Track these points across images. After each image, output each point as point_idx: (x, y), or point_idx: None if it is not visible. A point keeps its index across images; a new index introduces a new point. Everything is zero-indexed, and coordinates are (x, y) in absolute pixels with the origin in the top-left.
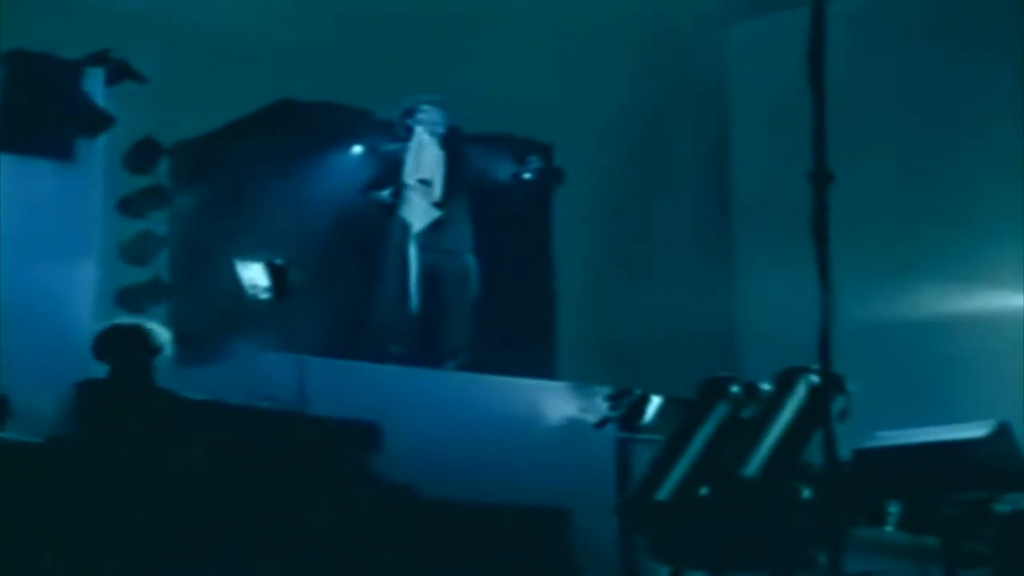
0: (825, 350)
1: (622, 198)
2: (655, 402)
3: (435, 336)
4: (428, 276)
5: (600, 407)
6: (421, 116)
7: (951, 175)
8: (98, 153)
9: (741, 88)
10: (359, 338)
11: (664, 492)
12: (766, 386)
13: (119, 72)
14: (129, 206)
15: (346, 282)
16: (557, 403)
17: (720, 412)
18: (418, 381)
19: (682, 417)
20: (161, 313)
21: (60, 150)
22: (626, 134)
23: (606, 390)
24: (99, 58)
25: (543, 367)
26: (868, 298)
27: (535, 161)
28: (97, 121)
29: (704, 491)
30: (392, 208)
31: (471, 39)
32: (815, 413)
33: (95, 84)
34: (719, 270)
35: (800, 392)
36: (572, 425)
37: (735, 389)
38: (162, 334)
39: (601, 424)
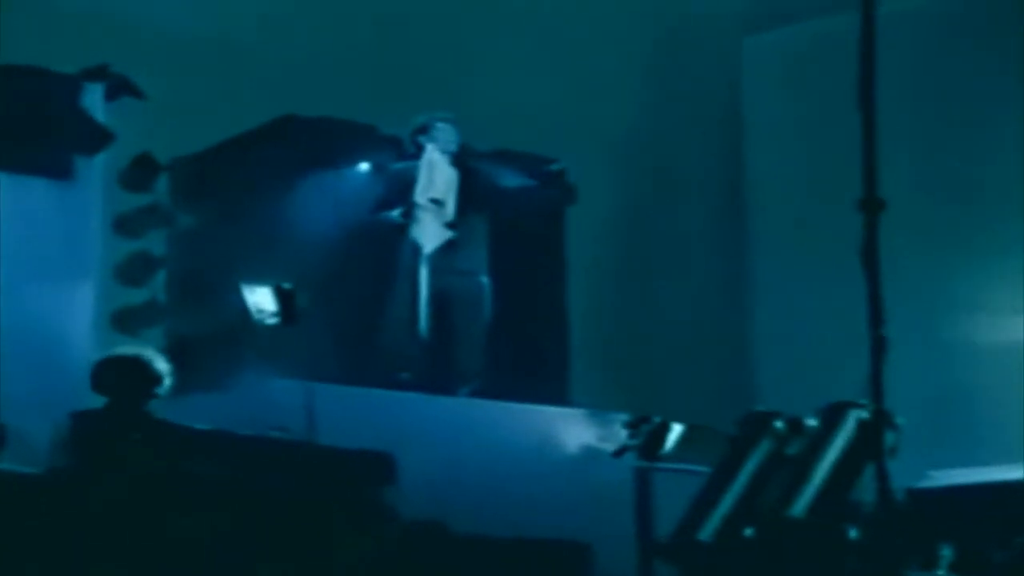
0: (877, 384)
1: (635, 213)
2: (676, 430)
3: (447, 361)
4: (440, 299)
5: (618, 435)
6: (433, 133)
7: (968, 190)
8: (97, 171)
9: (755, 99)
10: (368, 364)
11: (706, 532)
12: (811, 421)
13: (118, 87)
14: (125, 225)
15: (354, 305)
16: (573, 431)
17: (763, 448)
18: (430, 408)
19: (724, 453)
20: (157, 336)
21: (57, 168)
22: (639, 148)
23: (624, 417)
24: (98, 73)
25: (555, 391)
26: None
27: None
28: (96, 138)
29: (749, 531)
30: (402, 228)
31: (480, 53)
32: (864, 450)
33: (94, 100)
34: (735, 286)
35: (849, 427)
36: (589, 454)
37: (779, 424)
38: (161, 364)
39: (619, 453)
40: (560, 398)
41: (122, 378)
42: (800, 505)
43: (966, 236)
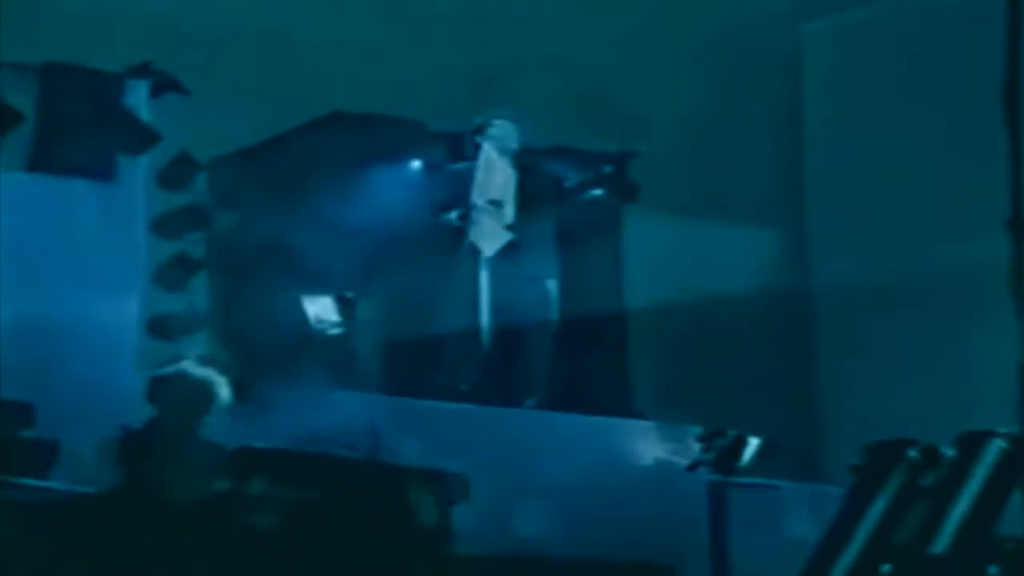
0: None
1: (692, 207)
2: (751, 444)
3: (512, 371)
4: (503, 305)
5: (690, 448)
6: (492, 132)
7: None
8: (141, 172)
9: (815, 87)
10: (428, 375)
11: (839, 571)
12: (948, 451)
13: (163, 85)
14: (163, 227)
15: (410, 312)
16: (644, 444)
17: (896, 480)
18: (494, 421)
19: (852, 485)
20: (199, 344)
21: (100, 169)
22: (698, 138)
23: (696, 430)
24: (141, 70)
25: (617, 402)
26: None
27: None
28: (141, 138)
29: (886, 570)
30: (461, 231)
31: (531, 47)
32: (1008, 481)
33: (138, 98)
34: (795, 283)
35: (990, 458)
36: (661, 468)
37: (913, 454)
38: (224, 389)
39: (693, 467)
40: (624, 409)
41: (183, 395)
42: (941, 541)
43: None
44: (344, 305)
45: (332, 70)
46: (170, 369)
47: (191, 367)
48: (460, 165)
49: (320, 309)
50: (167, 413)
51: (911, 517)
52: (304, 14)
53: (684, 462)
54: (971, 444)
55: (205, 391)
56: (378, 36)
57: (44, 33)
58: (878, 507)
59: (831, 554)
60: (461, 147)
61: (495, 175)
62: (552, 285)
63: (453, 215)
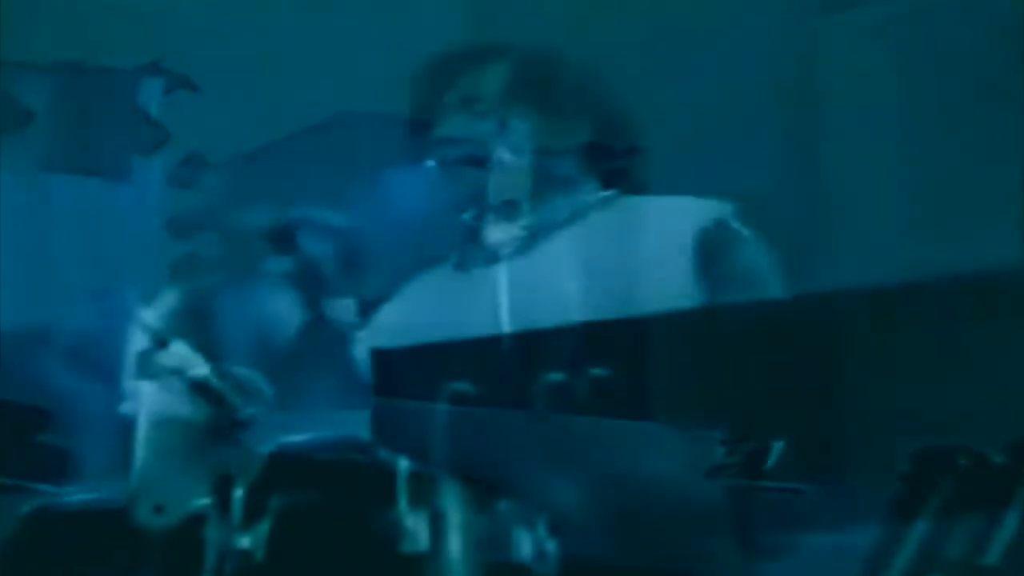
0: None
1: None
2: (776, 448)
3: (526, 374)
4: (519, 306)
5: (714, 453)
6: (503, 132)
7: None
8: (155, 172)
9: (830, 83)
10: (440, 378)
11: None
12: (998, 458)
13: (174, 83)
14: (176, 226)
15: (423, 314)
16: (665, 449)
17: (945, 488)
18: (508, 425)
19: (899, 494)
20: (208, 345)
21: (113, 169)
22: (707, 137)
23: (718, 434)
24: (153, 68)
25: (636, 405)
26: None
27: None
28: (153, 137)
29: None
30: (475, 232)
31: (532, 42)
32: None
33: (149, 96)
34: (810, 287)
35: None
36: (683, 472)
37: (962, 461)
38: (265, 386)
39: (715, 472)
40: (642, 413)
41: (218, 397)
42: (995, 552)
43: None
44: (361, 308)
45: (336, 69)
46: (202, 369)
47: (223, 367)
48: (473, 165)
49: (339, 312)
50: (201, 413)
51: (960, 527)
52: (307, 14)
53: (707, 467)
54: (1021, 450)
55: (241, 391)
56: (381, 35)
57: (46, 32)
58: (926, 517)
59: (879, 565)
60: (474, 147)
61: (509, 175)
62: (568, 286)
63: (467, 216)
